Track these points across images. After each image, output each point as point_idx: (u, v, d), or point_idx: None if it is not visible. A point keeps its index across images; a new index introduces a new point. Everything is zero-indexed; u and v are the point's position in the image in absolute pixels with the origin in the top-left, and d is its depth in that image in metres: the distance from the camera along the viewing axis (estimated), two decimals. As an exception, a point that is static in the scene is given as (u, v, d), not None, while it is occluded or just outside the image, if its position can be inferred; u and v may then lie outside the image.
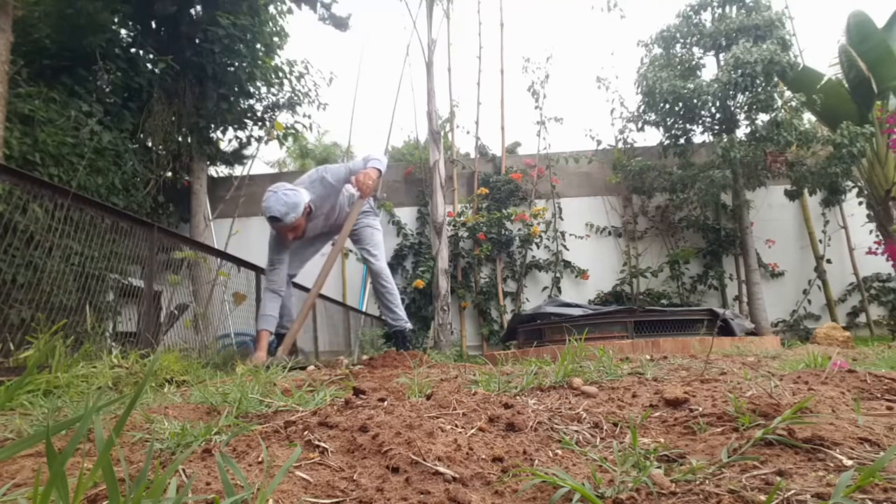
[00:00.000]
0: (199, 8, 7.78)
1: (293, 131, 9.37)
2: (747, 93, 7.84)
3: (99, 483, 0.65)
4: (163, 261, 4.16)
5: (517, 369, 1.99)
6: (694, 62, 8.72)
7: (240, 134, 9.14)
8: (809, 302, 8.80)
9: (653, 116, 8.52)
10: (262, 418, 1.13)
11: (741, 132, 8.34)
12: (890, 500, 0.58)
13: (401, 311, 3.97)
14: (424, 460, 0.72)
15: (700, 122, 8.55)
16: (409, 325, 4.02)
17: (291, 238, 3.53)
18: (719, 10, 8.67)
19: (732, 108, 8.21)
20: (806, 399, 1.00)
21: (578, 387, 1.42)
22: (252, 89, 8.46)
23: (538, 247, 9.24)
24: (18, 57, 5.81)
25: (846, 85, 8.06)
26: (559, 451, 0.83)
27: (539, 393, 1.37)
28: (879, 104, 7.76)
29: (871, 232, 8.04)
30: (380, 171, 3.62)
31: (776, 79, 7.91)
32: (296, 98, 8.92)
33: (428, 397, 1.16)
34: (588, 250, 9.24)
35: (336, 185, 3.65)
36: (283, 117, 8.98)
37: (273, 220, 3.37)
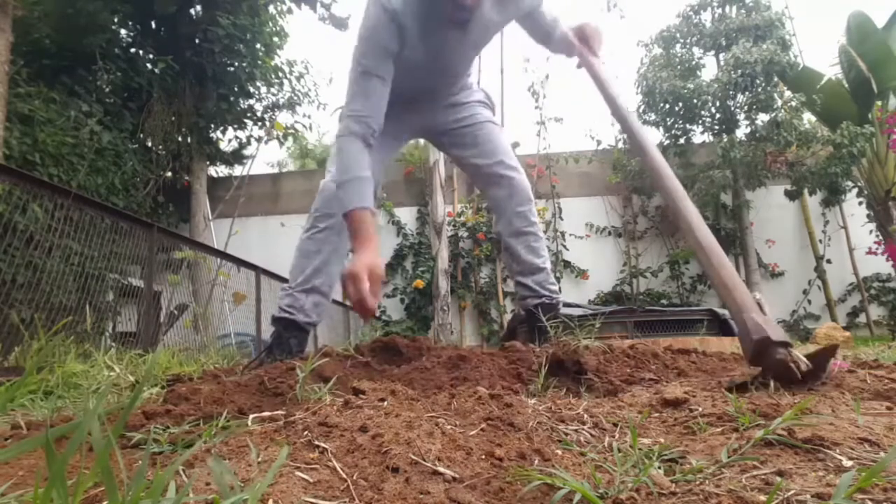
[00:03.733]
0: (198, 8, 7.79)
1: (293, 131, 9.38)
2: (747, 93, 7.84)
3: (99, 483, 0.65)
4: (163, 261, 4.16)
5: (517, 369, 1.98)
6: (694, 62, 8.72)
7: (240, 134, 9.16)
8: (809, 302, 8.80)
9: (653, 116, 8.53)
10: (262, 418, 1.13)
11: (741, 132, 8.35)
12: (890, 501, 0.59)
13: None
14: (424, 460, 0.72)
15: (700, 122, 8.55)
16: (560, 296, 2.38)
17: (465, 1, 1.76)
18: (719, 11, 8.67)
19: (732, 108, 8.21)
20: (806, 399, 1.00)
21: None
22: (252, 89, 8.46)
23: (538, 247, 9.23)
24: (18, 57, 5.81)
25: (846, 85, 8.06)
26: (559, 451, 0.83)
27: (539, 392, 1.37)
28: (879, 104, 7.76)
29: (871, 232, 8.03)
30: None
31: (776, 79, 7.91)
32: (296, 98, 8.94)
33: (428, 397, 1.16)
34: (588, 250, 9.24)
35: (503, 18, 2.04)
36: (283, 117, 9.00)
37: None
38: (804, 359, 1.10)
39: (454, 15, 1.84)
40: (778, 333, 1.15)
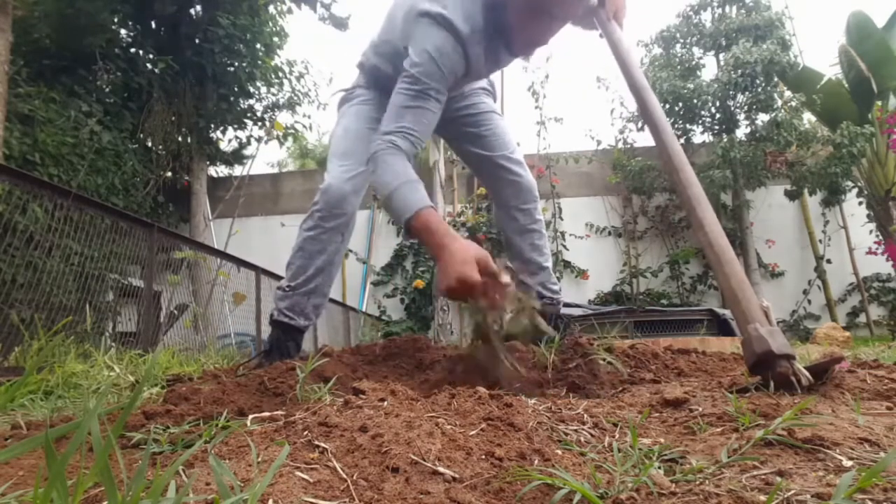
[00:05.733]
0: (198, 8, 7.79)
1: (293, 131, 9.37)
2: (747, 93, 7.85)
3: (99, 483, 0.65)
4: (163, 261, 4.16)
5: (517, 369, 1.98)
6: (694, 62, 8.72)
7: (240, 134, 9.16)
8: (809, 302, 8.80)
9: (653, 116, 8.52)
10: (261, 418, 1.13)
11: (741, 132, 8.36)
12: (890, 501, 0.59)
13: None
14: (424, 460, 0.72)
15: (700, 122, 8.55)
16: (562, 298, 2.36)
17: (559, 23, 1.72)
18: (719, 11, 8.68)
19: (732, 108, 8.21)
20: (806, 399, 1.00)
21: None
22: (252, 89, 8.47)
23: (538, 247, 9.23)
24: (18, 57, 5.82)
25: (846, 85, 8.06)
26: (559, 451, 0.83)
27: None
28: (879, 104, 7.76)
29: (871, 232, 8.03)
30: None
31: (776, 79, 7.92)
32: (296, 98, 8.94)
33: (427, 396, 1.16)
34: (588, 250, 9.24)
35: None
36: (283, 117, 9.00)
37: None
38: (806, 372, 1.10)
39: (524, 51, 1.82)
40: (781, 345, 1.13)
